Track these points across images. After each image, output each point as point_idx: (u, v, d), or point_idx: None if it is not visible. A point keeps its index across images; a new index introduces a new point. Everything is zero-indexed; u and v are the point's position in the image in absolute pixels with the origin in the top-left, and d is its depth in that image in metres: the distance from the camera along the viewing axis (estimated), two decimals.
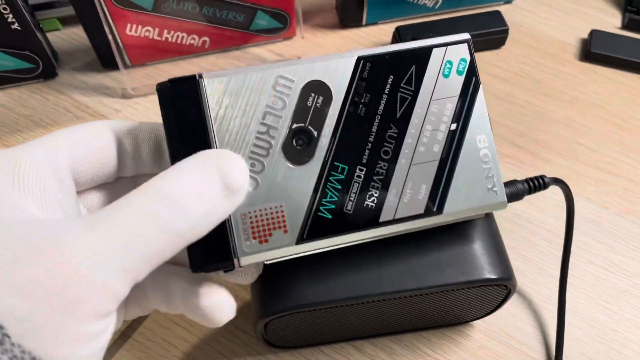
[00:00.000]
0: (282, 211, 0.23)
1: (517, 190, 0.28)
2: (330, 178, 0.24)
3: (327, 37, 0.47)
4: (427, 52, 0.25)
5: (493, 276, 0.28)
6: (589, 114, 0.43)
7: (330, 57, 0.24)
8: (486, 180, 0.26)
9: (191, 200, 0.18)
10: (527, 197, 0.38)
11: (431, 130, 0.25)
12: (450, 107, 0.25)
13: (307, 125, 0.24)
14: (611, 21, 0.48)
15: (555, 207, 0.38)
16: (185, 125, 0.22)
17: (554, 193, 0.38)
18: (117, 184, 0.24)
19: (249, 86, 0.23)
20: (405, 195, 0.25)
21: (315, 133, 0.24)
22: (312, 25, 0.48)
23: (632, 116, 0.43)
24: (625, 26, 0.48)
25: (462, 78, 0.25)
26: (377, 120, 0.25)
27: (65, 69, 0.45)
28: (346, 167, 0.24)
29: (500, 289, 0.29)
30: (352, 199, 0.24)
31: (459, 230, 0.29)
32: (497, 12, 0.45)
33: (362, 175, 0.24)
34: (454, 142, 0.25)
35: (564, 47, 0.46)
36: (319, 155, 0.24)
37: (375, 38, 0.47)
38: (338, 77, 0.24)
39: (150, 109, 0.43)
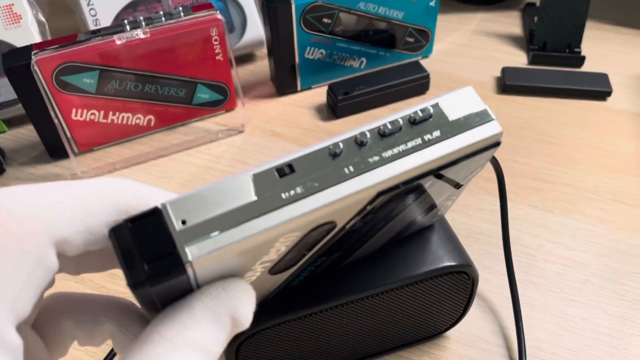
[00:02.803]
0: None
1: None
2: (309, 267, 0.24)
3: (268, 105, 0.50)
4: (454, 163, 0.20)
5: (453, 263, 0.28)
6: (517, 136, 0.46)
7: (346, 190, 0.18)
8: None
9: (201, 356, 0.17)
10: (476, 214, 0.40)
11: (417, 209, 0.24)
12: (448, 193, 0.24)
13: (300, 252, 0.21)
14: (518, 60, 0.54)
15: None
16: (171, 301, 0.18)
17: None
18: None
19: (246, 251, 0.17)
20: (368, 247, 0.27)
21: (306, 253, 0.21)
22: (252, 97, 0.51)
23: (554, 131, 0.46)
24: (531, 62, 0.53)
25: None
26: (370, 225, 0.22)
27: (12, 165, 0.46)
28: (325, 257, 0.24)
29: (463, 278, 0.29)
30: (322, 268, 0.25)
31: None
32: (416, 62, 0.50)
33: (339, 255, 0.25)
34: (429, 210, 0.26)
35: (482, 85, 0.51)
36: (303, 260, 0.22)
37: (312, 100, 0.50)
38: (348, 214, 0.19)
39: None
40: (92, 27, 0.49)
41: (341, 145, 0.18)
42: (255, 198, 0.17)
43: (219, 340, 0.18)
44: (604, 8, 0.59)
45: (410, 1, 0.48)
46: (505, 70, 0.51)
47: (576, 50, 0.52)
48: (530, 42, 0.54)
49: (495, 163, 0.31)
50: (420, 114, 0.19)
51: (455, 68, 0.53)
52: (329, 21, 0.47)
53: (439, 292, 0.30)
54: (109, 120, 0.44)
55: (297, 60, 0.49)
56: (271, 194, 0.17)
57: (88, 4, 0.48)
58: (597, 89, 0.49)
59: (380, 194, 0.19)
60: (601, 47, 0.55)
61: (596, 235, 0.39)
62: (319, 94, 0.51)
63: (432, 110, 0.19)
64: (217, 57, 0.45)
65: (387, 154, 0.19)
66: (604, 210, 0.40)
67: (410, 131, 0.19)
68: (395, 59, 0.52)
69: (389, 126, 0.19)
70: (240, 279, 0.19)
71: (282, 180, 0.17)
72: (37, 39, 0.47)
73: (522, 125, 0.47)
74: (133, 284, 0.16)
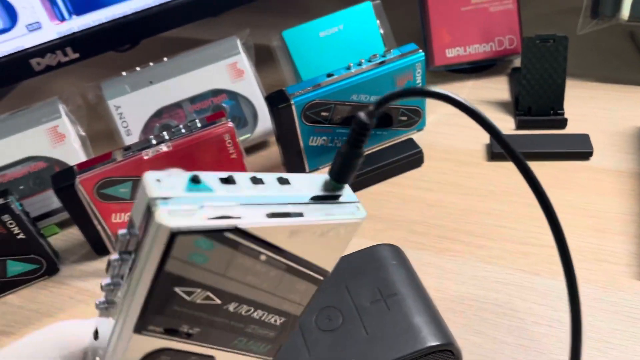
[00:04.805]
0: None
1: None
2: None
3: None
4: None
5: (435, 343, 0.33)
6: (505, 201, 0.51)
7: None
8: None
9: None
10: (469, 281, 0.44)
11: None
12: None
13: None
14: (507, 125, 0.58)
15: (496, 283, 0.44)
16: None
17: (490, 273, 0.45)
18: None
19: None
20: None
21: None
22: None
23: None
24: (517, 127, 0.58)
25: None
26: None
27: (65, 263, 0.53)
28: None
29: (447, 355, 0.34)
30: None
31: (400, 312, 0.35)
32: (410, 139, 0.55)
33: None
34: None
35: (472, 153, 0.56)
36: None
37: None
38: None
39: None
40: (124, 135, 0.56)
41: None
42: None
43: None
44: (585, 67, 0.63)
45: (397, 88, 0.54)
46: (492, 138, 0.55)
47: (559, 112, 0.57)
48: (516, 107, 0.59)
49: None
50: None
51: (447, 138, 0.58)
52: (327, 114, 0.53)
53: None
54: None
55: (302, 147, 0.55)
56: None
57: (120, 118, 0.56)
58: (579, 150, 0.53)
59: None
60: (584, 106, 0.59)
61: (581, 295, 0.42)
62: (324, 174, 0.57)
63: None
64: (232, 156, 0.51)
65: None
66: (588, 270, 0.44)
67: None
68: (391, 136, 0.58)
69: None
70: None
71: None
72: (80, 152, 0.55)
73: (510, 191, 0.51)
74: None
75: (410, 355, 0.33)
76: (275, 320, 0.26)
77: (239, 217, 0.20)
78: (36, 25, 0.51)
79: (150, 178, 0.20)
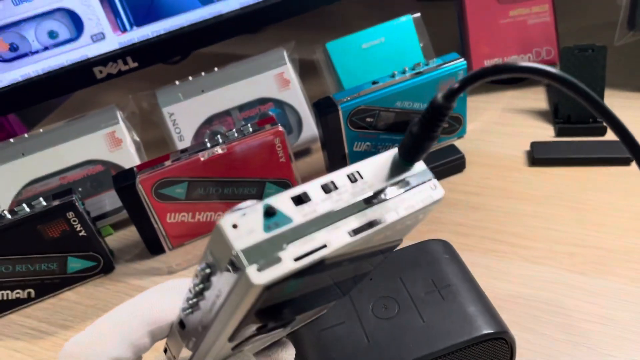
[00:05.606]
0: None
1: None
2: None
3: None
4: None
5: (490, 330, 0.34)
6: (548, 204, 0.52)
7: None
8: None
9: None
10: (516, 280, 0.45)
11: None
12: None
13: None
14: (546, 133, 0.60)
15: (543, 282, 0.45)
16: None
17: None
18: None
19: None
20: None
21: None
22: None
23: (582, 197, 0.51)
24: (557, 134, 0.59)
25: None
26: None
27: (120, 262, 0.55)
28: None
29: (501, 344, 0.35)
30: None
31: (454, 301, 0.36)
32: (452, 145, 0.57)
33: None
34: None
35: (513, 159, 0.57)
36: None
37: None
38: None
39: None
40: (177, 141, 0.59)
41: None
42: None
43: None
44: (622, 77, 0.64)
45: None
46: (533, 144, 0.57)
47: (598, 120, 0.58)
48: (555, 115, 0.60)
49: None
50: None
51: (488, 145, 0.60)
52: (372, 120, 0.55)
53: (481, 358, 0.35)
54: (196, 220, 0.53)
55: (347, 152, 0.57)
56: None
57: (173, 124, 0.58)
58: (620, 155, 0.54)
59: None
60: (622, 115, 0.59)
61: (627, 293, 0.43)
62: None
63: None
64: (280, 160, 0.53)
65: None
66: (635, 270, 0.45)
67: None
68: None
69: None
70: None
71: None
72: (135, 156, 0.58)
73: (553, 195, 0.52)
74: None
75: (467, 342, 0.34)
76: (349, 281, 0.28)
77: (324, 246, 0.20)
78: (100, 36, 0.54)
79: (226, 225, 0.19)
